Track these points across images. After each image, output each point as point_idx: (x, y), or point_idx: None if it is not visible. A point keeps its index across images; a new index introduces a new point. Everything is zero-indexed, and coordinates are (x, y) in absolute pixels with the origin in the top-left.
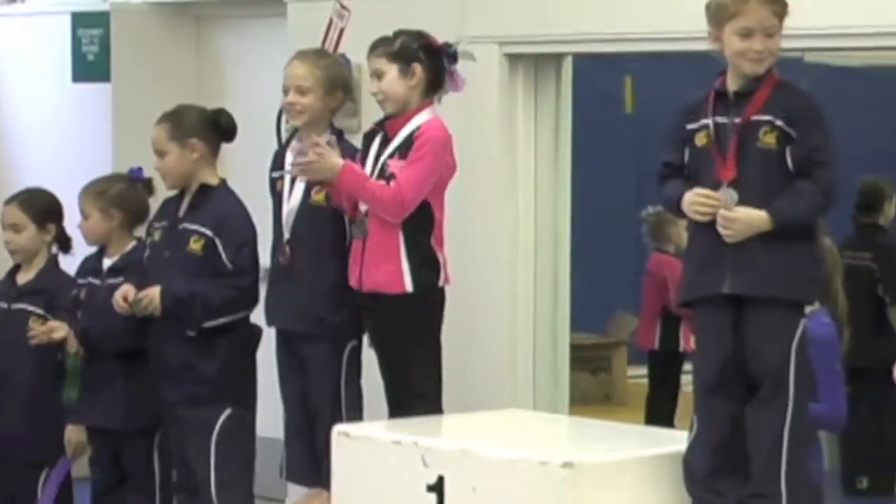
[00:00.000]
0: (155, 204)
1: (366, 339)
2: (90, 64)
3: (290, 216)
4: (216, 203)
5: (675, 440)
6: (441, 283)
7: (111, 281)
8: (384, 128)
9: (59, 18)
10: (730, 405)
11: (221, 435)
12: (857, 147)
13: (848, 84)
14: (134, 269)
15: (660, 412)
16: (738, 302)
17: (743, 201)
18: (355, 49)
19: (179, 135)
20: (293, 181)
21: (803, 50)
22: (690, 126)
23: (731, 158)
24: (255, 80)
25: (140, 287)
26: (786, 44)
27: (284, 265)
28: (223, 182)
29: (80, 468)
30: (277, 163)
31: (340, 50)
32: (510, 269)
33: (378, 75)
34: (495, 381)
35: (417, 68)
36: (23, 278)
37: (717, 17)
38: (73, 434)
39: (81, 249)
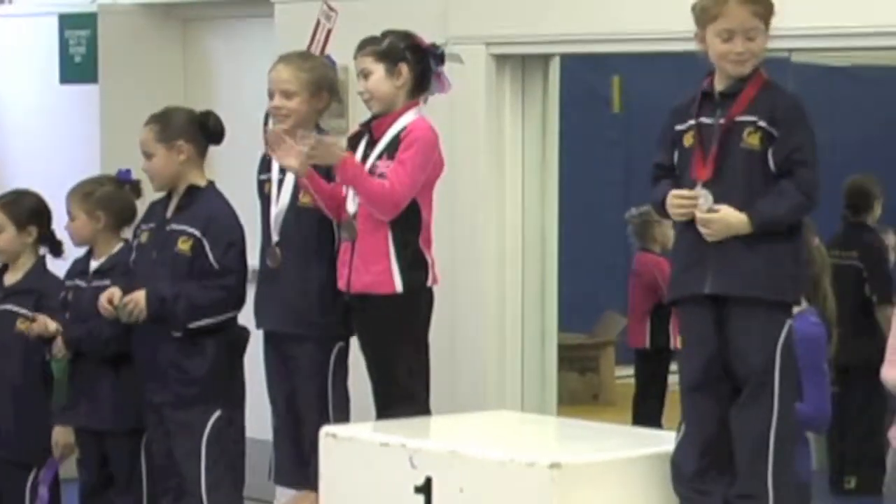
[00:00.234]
0: (142, 206)
1: (355, 340)
2: (77, 65)
3: (278, 218)
4: (204, 204)
5: (662, 440)
6: (429, 283)
7: (97, 283)
8: (370, 129)
9: (47, 20)
10: (716, 405)
11: (211, 436)
12: (845, 146)
13: (835, 84)
14: (120, 270)
15: (647, 412)
16: (722, 301)
17: (725, 201)
18: (342, 50)
19: (167, 137)
20: (280, 183)
21: (790, 50)
22: (679, 127)
23: (710, 159)
24: (243, 82)
25: (126, 290)
26: (772, 44)
27: (274, 267)
28: (211, 183)
29: (68, 469)
30: (265, 165)
31: (328, 51)
32: (498, 270)
33: (365, 75)
34: (483, 381)
35: (404, 68)
36: (10, 279)
37: (701, 19)
38: (61, 435)
39: (72, 252)
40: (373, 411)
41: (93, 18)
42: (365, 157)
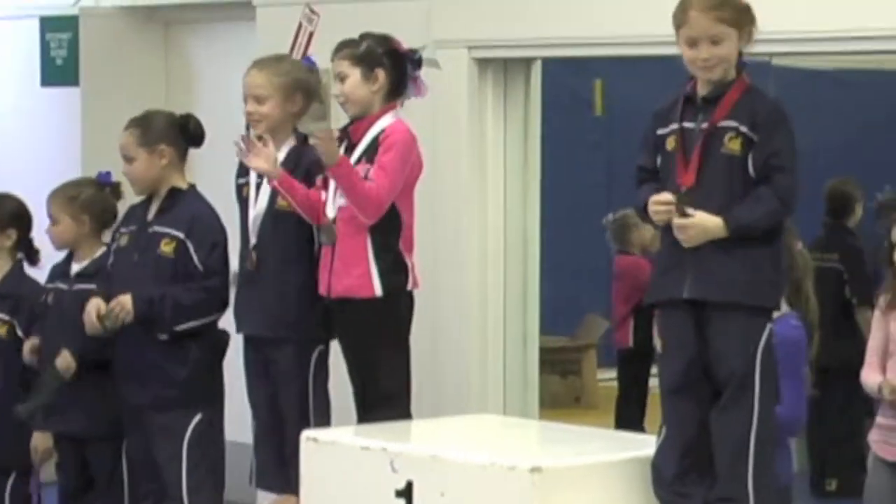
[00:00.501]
0: (121, 208)
1: (335, 343)
2: (59, 68)
3: (256, 221)
4: (186, 206)
5: (644, 444)
6: (409, 286)
7: (80, 286)
8: (348, 134)
9: (28, 22)
10: (696, 408)
11: (192, 439)
12: (827, 149)
13: (817, 87)
14: (105, 273)
15: (630, 414)
16: (701, 305)
17: (705, 207)
18: (325, 53)
19: (148, 140)
20: (258, 187)
21: (771, 54)
22: (661, 131)
23: (692, 164)
24: (225, 85)
25: (106, 296)
26: (753, 48)
27: (251, 270)
28: (192, 186)
29: (47, 473)
30: (243, 168)
31: (310, 53)
32: (480, 273)
33: (341, 78)
34: (465, 384)
35: (381, 73)
36: None
37: (673, 25)
38: (40, 441)
39: (49, 256)
40: (354, 415)
41: (74, 21)
42: None
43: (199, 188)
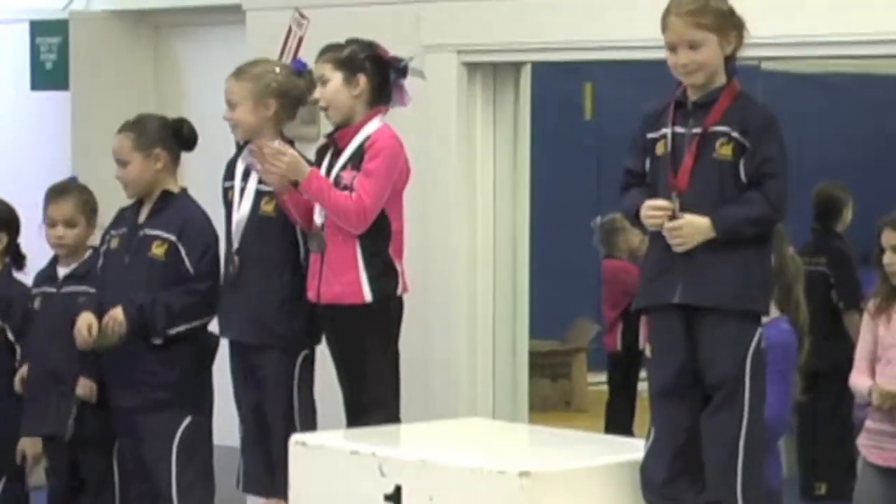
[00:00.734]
0: (110, 212)
1: (320, 348)
2: (49, 72)
3: (239, 226)
4: (178, 209)
5: (633, 448)
6: (399, 291)
7: (69, 289)
8: (334, 140)
9: (18, 26)
10: (686, 412)
11: (183, 442)
12: (816, 154)
13: (805, 91)
14: (95, 275)
15: (619, 418)
16: (691, 309)
17: (697, 212)
18: (314, 58)
19: (143, 144)
20: (243, 191)
21: (760, 59)
22: (651, 135)
23: (683, 169)
24: (214, 88)
25: (97, 301)
26: (742, 52)
27: (234, 275)
28: (184, 190)
29: (36, 478)
30: (229, 172)
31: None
32: (469, 277)
33: (323, 82)
34: (455, 389)
35: (362, 79)
36: None
37: (661, 30)
38: (29, 445)
39: (33, 267)
40: (341, 419)
41: (64, 25)
42: (330, 167)
43: (189, 192)
